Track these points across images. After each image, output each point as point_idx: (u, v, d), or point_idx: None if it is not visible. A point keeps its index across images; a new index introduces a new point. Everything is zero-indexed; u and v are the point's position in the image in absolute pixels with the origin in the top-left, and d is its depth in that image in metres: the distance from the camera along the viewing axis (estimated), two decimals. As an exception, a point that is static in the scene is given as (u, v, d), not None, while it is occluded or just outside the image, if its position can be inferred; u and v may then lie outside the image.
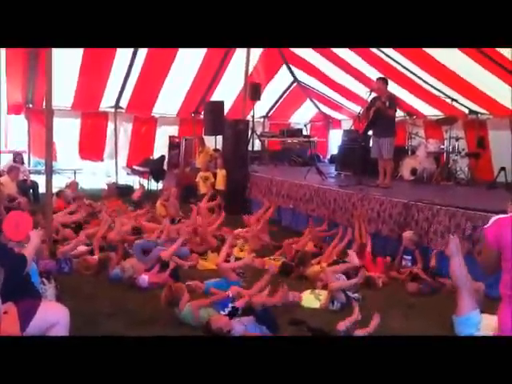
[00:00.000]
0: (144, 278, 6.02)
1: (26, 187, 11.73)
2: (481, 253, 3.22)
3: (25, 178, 11.96)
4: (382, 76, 9.58)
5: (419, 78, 11.58)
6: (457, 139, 10.96)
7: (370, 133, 9.55)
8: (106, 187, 12.54)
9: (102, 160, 15.33)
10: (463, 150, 11.22)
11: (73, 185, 11.21)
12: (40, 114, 12.49)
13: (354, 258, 6.29)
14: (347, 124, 16.25)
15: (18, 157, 12.56)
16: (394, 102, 9.16)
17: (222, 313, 4.86)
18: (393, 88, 9.49)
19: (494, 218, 2.76)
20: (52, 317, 3.58)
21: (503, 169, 9.87)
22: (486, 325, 4.66)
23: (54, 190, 8.65)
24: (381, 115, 8.89)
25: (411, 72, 11.48)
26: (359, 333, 4.40)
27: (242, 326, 4.67)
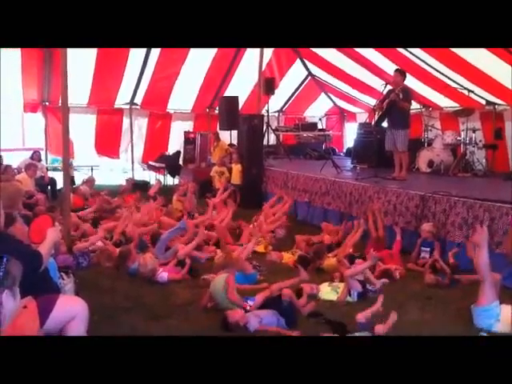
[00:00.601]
0: (163, 276, 6.07)
1: (44, 184, 11.85)
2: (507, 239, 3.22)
3: (42, 174, 12.07)
4: (398, 68, 9.51)
5: (435, 69, 11.46)
6: (474, 131, 10.86)
7: (386, 125, 9.51)
8: (124, 183, 12.65)
9: (118, 157, 15.43)
10: (480, 141, 11.13)
11: (90, 181, 11.28)
12: (56, 112, 12.67)
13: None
14: (362, 117, 16.16)
15: (35, 154, 12.69)
16: (409, 94, 9.09)
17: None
18: (408, 80, 9.39)
19: None
20: (70, 310, 3.61)
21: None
22: (505, 315, 4.66)
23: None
24: (395, 107, 8.84)
25: (427, 64, 11.37)
26: (378, 329, 4.37)
27: (257, 319, 4.70)
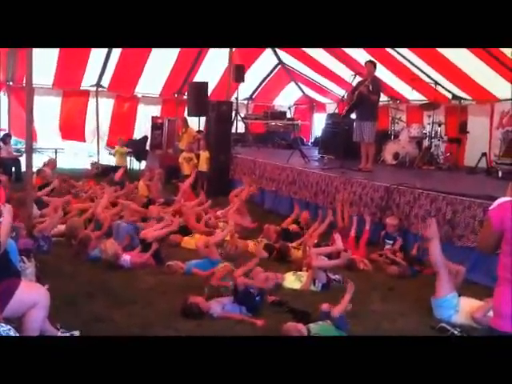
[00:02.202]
0: (126, 259, 6.00)
1: (7, 165, 11.66)
2: (481, 232, 3.28)
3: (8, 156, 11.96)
4: (370, 59, 9.55)
5: (404, 58, 11.48)
6: (439, 124, 11.03)
7: (354, 116, 9.57)
8: (89, 167, 12.51)
9: (84, 140, 15.17)
10: (445, 135, 11.30)
11: (51, 163, 11.07)
12: (20, 92, 12.34)
13: (338, 242, 6.31)
14: (331, 107, 16.22)
15: (7, 138, 12.58)
16: (378, 86, 9.15)
17: None
18: (378, 70, 9.43)
19: (499, 200, 2.81)
20: (31, 298, 3.55)
21: (484, 154, 9.94)
22: (464, 307, 4.76)
23: (35, 169, 8.58)
24: (364, 99, 8.90)
25: (397, 52, 11.38)
26: (336, 310, 4.39)
27: (219, 306, 4.72)
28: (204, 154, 11.42)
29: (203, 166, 11.35)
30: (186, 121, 13.78)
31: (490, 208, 2.86)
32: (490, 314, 4.19)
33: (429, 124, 11.02)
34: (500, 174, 9.09)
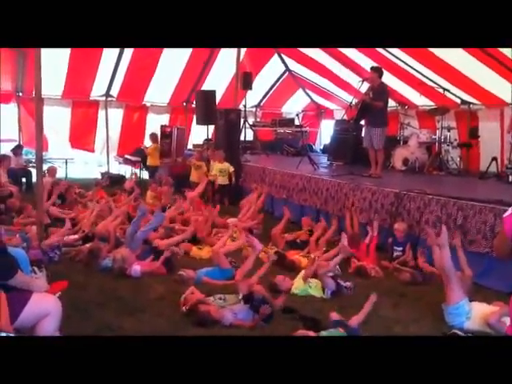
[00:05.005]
0: (136, 269, 6.00)
1: (18, 176, 11.75)
2: (497, 238, 3.22)
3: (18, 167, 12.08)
4: (374, 66, 9.53)
5: (411, 67, 11.54)
6: (449, 129, 10.99)
7: (363, 122, 9.54)
8: (99, 177, 12.58)
9: (93, 151, 15.25)
10: (455, 140, 11.26)
11: (52, 171, 11.13)
12: (30, 103, 12.47)
13: (344, 241, 6.27)
14: (339, 114, 16.22)
15: (19, 149, 12.78)
16: (382, 92, 9.04)
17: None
18: (384, 76, 9.44)
19: None
20: (43, 308, 3.55)
21: (495, 159, 9.89)
22: (476, 313, 4.71)
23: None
24: (367, 107, 8.87)
25: (403, 61, 11.44)
26: (353, 321, 4.40)
27: (231, 314, 4.70)
28: (219, 166, 11.07)
29: (219, 178, 11.02)
30: (155, 137, 13.80)
31: (504, 215, 2.81)
32: (504, 319, 4.18)
33: (438, 129, 10.99)
34: (510, 178, 9.03)
